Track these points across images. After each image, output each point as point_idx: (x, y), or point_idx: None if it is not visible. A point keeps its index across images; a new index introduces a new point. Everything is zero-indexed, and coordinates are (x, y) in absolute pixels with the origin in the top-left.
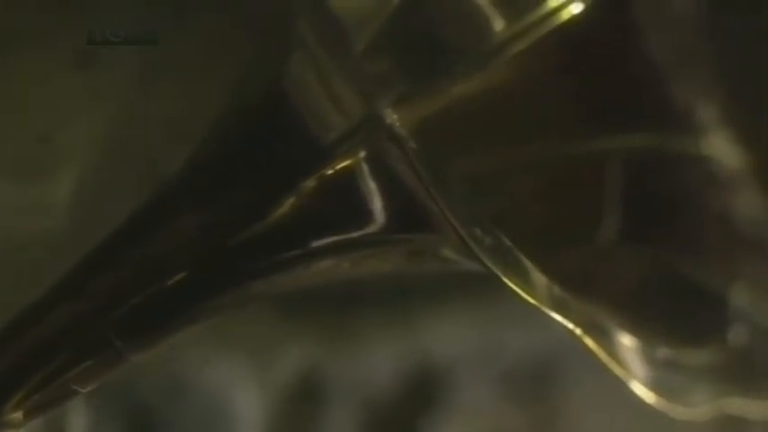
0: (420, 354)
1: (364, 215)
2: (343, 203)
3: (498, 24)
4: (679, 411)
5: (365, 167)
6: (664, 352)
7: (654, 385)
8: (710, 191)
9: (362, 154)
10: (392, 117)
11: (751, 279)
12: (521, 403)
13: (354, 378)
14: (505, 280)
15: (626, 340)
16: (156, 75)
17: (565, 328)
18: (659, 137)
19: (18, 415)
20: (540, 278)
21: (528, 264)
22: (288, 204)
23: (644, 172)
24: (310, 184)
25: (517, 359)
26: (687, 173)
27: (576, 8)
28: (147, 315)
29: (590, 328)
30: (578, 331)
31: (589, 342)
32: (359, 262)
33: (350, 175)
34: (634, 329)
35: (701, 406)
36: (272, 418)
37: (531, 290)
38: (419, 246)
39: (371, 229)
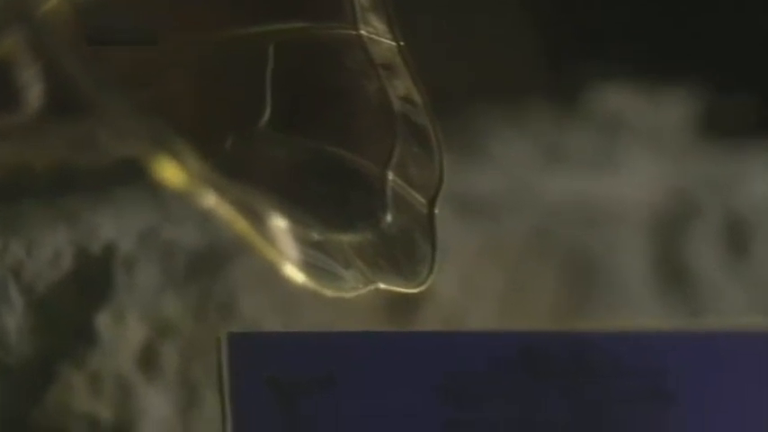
0: (85, 244)
1: (22, 101)
2: (1, 89)
3: None
4: (332, 290)
5: (23, 54)
6: (317, 235)
7: (306, 266)
8: (367, 75)
9: (19, 40)
10: (51, 4)
11: (396, 159)
12: (178, 287)
13: (21, 271)
14: (160, 164)
15: (279, 223)
16: None
17: (218, 211)
18: (315, 23)
19: None
20: (194, 162)
21: (183, 148)
22: None
23: (299, 58)
24: None
25: (175, 245)
26: (344, 58)
27: None
28: None
29: (243, 211)
30: (231, 214)
31: (242, 224)
32: (20, 149)
33: (8, 62)
34: (288, 213)
35: (353, 285)
36: None
37: (186, 173)
38: (77, 131)
39: (30, 114)
